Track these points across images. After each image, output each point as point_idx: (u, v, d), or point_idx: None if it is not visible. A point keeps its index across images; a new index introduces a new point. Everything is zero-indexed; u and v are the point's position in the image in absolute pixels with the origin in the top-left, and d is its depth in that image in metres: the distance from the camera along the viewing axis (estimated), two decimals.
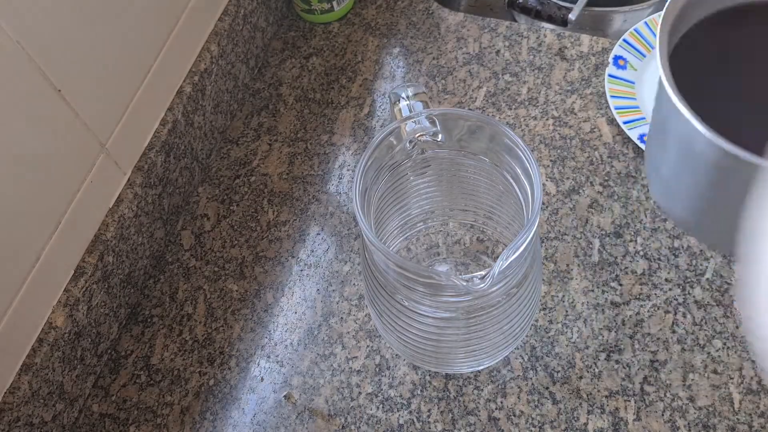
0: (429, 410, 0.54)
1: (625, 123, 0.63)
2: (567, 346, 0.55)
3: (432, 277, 0.41)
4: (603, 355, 0.55)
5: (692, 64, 0.37)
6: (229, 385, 0.57)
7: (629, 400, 0.53)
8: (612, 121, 0.65)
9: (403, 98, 0.47)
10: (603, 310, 0.57)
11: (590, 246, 0.59)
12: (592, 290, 0.57)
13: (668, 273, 0.58)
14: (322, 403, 0.55)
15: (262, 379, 0.57)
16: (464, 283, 0.39)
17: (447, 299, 0.44)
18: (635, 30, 0.68)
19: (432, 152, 0.48)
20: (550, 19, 0.77)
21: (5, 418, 0.50)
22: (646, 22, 0.69)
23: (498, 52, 0.71)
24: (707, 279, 0.57)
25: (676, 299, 0.56)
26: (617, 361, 0.54)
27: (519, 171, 0.43)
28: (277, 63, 0.76)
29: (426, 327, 0.47)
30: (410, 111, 0.46)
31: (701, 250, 0.58)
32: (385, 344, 0.57)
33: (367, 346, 0.57)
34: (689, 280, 0.57)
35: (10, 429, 0.50)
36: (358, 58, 0.74)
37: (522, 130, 0.66)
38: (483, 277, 0.39)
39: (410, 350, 0.51)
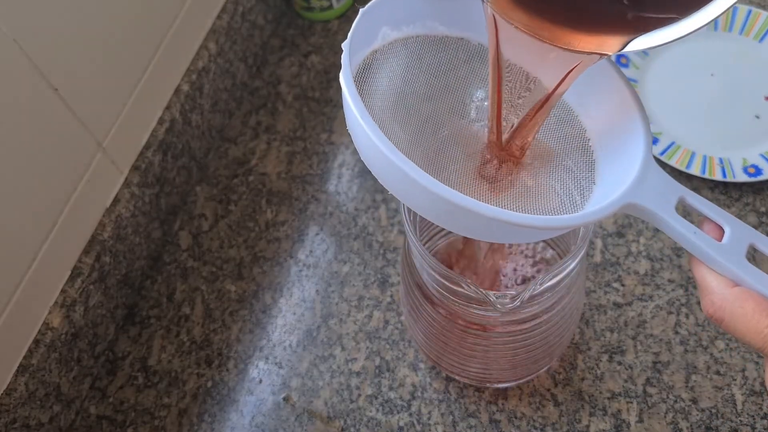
0: (429, 412, 0.54)
1: None
2: (569, 347, 0.55)
3: (461, 286, 0.41)
4: (605, 357, 0.54)
5: None
6: (227, 387, 0.57)
7: (631, 402, 0.52)
8: None
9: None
10: (605, 311, 0.56)
11: (592, 246, 0.59)
12: (594, 291, 0.57)
13: (671, 273, 0.57)
14: (321, 405, 0.55)
15: (260, 381, 0.57)
16: (494, 299, 0.39)
17: (474, 310, 0.44)
18: None
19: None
20: None
21: (2, 420, 0.49)
22: None
23: None
24: None
25: (679, 300, 0.56)
26: (619, 363, 0.54)
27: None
28: (275, 61, 0.75)
29: (451, 332, 0.47)
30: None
31: None
32: (385, 346, 0.57)
33: (367, 348, 0.57)
34: (692, 280, 0.57)
35: (6, 431, 0.50)
36: None
37: None
38: (514, 297, 0.39)
39: (433, 350, 0.50)
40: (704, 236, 0.32)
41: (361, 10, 0.35)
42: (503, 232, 0.33)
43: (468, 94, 0.40)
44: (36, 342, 0.52)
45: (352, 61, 0.35)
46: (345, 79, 0.32)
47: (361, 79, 0.36)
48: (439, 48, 0.39)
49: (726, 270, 0.31)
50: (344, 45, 0.33)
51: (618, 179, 0.34)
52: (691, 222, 0.33)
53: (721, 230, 0.33)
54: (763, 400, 0.52)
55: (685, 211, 0.34)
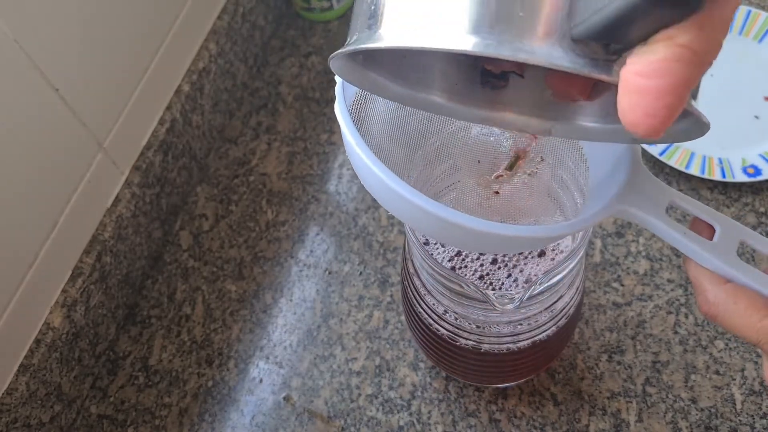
0: (429, 412, 0.54)
1: None
2: (568, 347, 0.55)
3: (461, 286, 0.41)
4: (605, 356, 0.54)
5: None
6: (227, 386, 0.57)
7: (631, 402, 0.53)
8: None
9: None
10: (605, 310, 0.56)
11: (592, 246, 0.59)
12: (594, 291, 0.57)
13: (670, 273, 0.57)
14: (321, 404, 0.55)
15: (261, 381, 0.57)
16: (493, 298, 0.39)
17: (473, 310, 0.44)
18: None
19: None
20: None
21: (3, 420, 0.49)
22: None
23: None
24: None
25: (678, 300, 0.56)
26: (619, 362, 0.54)
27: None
28: (276, 62, 0.75)
29: (444, 331, 0.47)
30: None
31: None
32: (385, 345, 0.57)
33: (367, 347, 0.57)
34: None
35: (8, 430, 0.50)
36: None
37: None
38: (513, 297, 0.39)
39: (433, 349, 0.50)
40: (695, 236, 0.33)
41: None
42: (499, 244, 0.34)
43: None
44: (37, 342, 0.52)
45: (349, 89, 0.35)
46: (341, 111, 0.33)
47: (359, 105, 0.36)
48: None
49: (718, 268, 0.32)
50: (338, 77, 0.33)
51: (609, 184, 0.35)
52: (684, 222, 0.33)
53: (712, 229, 0.33)
54: (762, 400, 0.52)
55: (677, 212, 0.34)
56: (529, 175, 0.40)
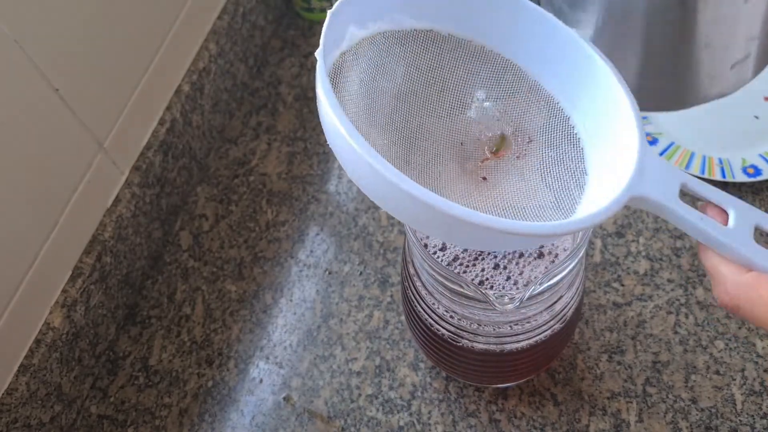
0: (429, 412, 0.54)
1: None
2: (568, 347, 0.55)
3: (461, 286, 0.41)
4: (605, 356, 0.54)
5: None
6: (227, 386, 0.57)
7: (631, 402, 0.53)
8: None
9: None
10: (605, 310, 0.56)
11: (592, 246, 0.59)
12: (594, 291, 0.57)
13: (670, 273, 0.57)
14: (321, 404, 0.55)
15: (261, 381, 0.57)
16: (493, 299, 0.39)
17: (473, 310, 0.44)
18: None
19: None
20: None
21: (3, 420, 0.49)
22: None
23: None
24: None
25: (678, 300, 0.56)
26: (619, 362, 0.54)
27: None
28: (276, 62, 0.75)
29: (444, 332, 0.47)
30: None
31: None
32: (385, 345, 0.57)
33: (367, 348, 0.57)
34: (691, 280, 0.57)
35: (8, 430, 0.50)
36: None
37: None
38: (513, 297, 0.39)
39: (433, 349, 0.50)
40: (711, 221, 0.31)
41: (329, 12, 0.33)
42: (499, 241, 0.32)
43: (443, 87, 0.38)
44: (37, 342, 0.52)
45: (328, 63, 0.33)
46: (325, 92, 0.30)
47: (333, 83, 0.34)
48: (409, 42, 0.37)
49: (736, 254, 0.30)
50: (318, 54, 0.31)
51: (616, 169, 0.33)
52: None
53: (726, 214, 0.32)
54: (762, 400, 0.52)
55: (687, 198, 0.33)
56: (518, 157, 0.38)
